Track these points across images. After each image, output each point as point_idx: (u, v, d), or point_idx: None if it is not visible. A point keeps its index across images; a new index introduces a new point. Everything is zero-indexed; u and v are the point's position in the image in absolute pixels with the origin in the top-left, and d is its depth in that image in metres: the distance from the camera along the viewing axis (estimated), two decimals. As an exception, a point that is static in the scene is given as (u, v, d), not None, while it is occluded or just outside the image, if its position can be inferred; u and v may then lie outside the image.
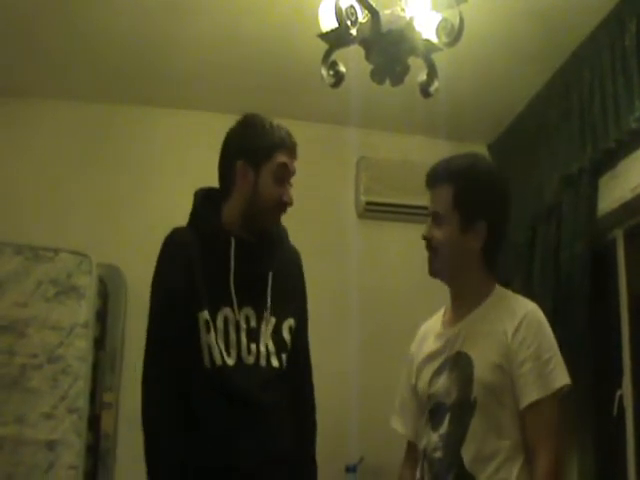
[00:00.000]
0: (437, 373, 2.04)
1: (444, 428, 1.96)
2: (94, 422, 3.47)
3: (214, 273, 2.08)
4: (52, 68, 3.71)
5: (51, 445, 3.16)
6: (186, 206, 3.92)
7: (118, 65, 3.67)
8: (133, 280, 3.79)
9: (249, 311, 2.09)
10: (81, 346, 3.30)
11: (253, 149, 2.14)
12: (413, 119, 3.94)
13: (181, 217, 3.88)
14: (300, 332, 2.22)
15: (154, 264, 3.82)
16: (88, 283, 3.38)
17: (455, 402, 1.95)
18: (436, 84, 2.58)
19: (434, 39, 2.51)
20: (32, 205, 3.81)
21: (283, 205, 2.16)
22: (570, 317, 3.26)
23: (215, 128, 4.08)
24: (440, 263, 2.05)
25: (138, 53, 3.55)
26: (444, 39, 2.51)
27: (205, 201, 2.24)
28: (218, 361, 2.02)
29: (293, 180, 2.20)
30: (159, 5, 3.18)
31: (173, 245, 2.20)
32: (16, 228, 3.60)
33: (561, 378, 1.89)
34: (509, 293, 2.10)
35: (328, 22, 2.46)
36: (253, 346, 2.06)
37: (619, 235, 3.30)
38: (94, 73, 3.75)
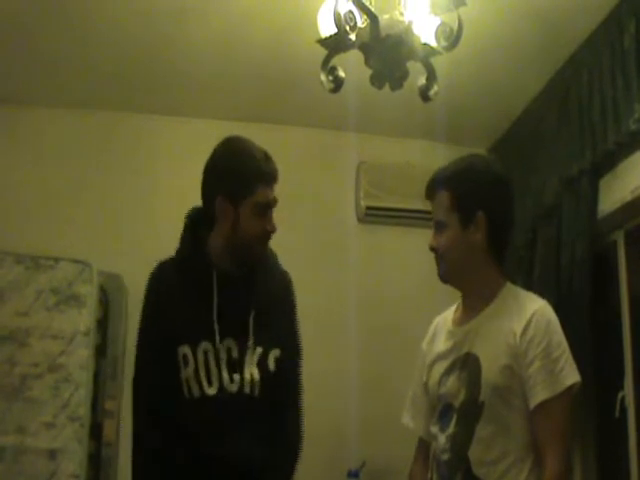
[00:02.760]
0: (446, 373, 2.04)
1: (451, 430, 1.96)
2: (96, 430, 3.45)
3: (196, 307, 2.12)
4: (54, 76, 3.72)
5: (52, 454, 3.15)
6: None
7: (120, 73, 3.68)
8: (134, 288, 3.77)
9: (231, 343, 2.11)
10: (82, 354, 3.29)
11: (231, 185, 2.13)
12: (412, 123, 3.95)
13: (182, 225, 3.91)
14: (286, 362, 2.18)
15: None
16: (89, 291, 3.37)
17: (463, 404, 1.95)
18: (435, 88, 2.58)
19: (433, 43, 2.51)
20: (33, 214, 3.81)
21: (266, 236, 2.16)
22: (571, 319, 3.25)
23: (217, 136, 4.10)
24: (448, 267, 2.06)
25: (140, 61, 3.56)
26: (443, 43, 2.51)
27: (191, 230, 2.25)
28: (196, 393, 2.09)
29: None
30: (161, 14, 3.19)
31: (155, 282, 2.25)
32: (17, 237, 3.60)
33: (571, 376, 1.88)
34: (519, 291, 2.09)
35: (327, 27, 2.46)
36: (236, 376, 2.09)
37: (620, 236, 3.30)
38: (96, 81, 3.76)
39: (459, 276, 2.07)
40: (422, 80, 2.60)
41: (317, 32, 2.52)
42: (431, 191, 2.09)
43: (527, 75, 3.55)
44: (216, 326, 2.09)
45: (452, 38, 2.49)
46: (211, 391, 2.08)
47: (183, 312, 2.12)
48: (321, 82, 2.52)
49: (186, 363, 2.09)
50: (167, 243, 3.86)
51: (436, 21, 2.52)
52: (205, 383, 2.08)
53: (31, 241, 3.58)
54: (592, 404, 3.46)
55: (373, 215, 4.11)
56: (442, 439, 1.98)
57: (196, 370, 2.08)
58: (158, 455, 2.08)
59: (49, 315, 3.28)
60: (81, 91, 3.85)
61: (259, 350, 2.12)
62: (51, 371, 3.22)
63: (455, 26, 2.47)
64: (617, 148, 3.05)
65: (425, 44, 2.51)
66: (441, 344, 2.10)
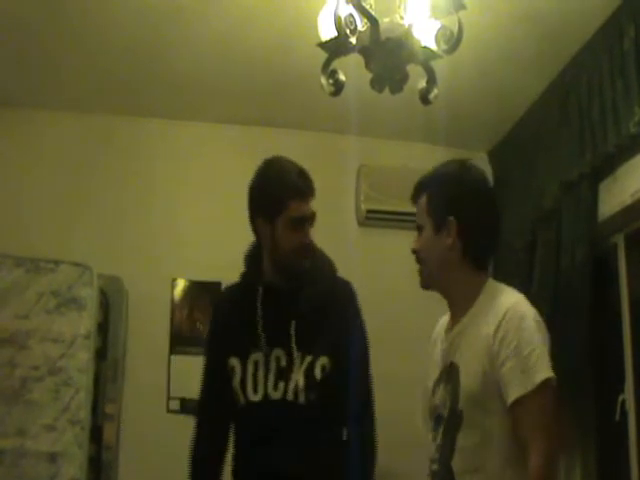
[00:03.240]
0: (437, 384, 2.04)
1: (439, 440, 1.97)
2: (96, 434, 3.45)
3: (245, 322, 2.27)
4: (54, 79, 3.72)
5: (53, 457, 3.15)
6: (186, 217, 3.96)
7: (119, 76, 3.68)
8: (134, 291, 3.79)
9: (279, 352, 2.23)
10: (82, 357, 3.29)
11: (266, 205, 2.24)
12: (413, 127, 3.94)
13: (182, 228, 3.93)
14: (337, 369, 2.24)
15: (155, 275, 3.85)
16: (89, 294, 3.37)
17: (448, 414, 1.95)
18: (436, 91, 2.58)
19: (433, 46, 2.51)
20: (33, 217, 3.81)
21: (304, 248, 2.24)
22: (571, 322, 3.26)
23: (217, 139, 4.14)
24: (425, 271, 2.07)
25: (140, 64, 3.56)
26: (443, 46, 2.51)
27: (249, 256, 2.38)
28: (242, 401, 2.25)
29: None
30: (161, 17, 3.19)
31: (217, 303, 2.55)
32: (17, 240, 3.61)
33: (542, 372, 1.82)
34: (498, 288, 2.04)
35: (327, 31, 2.47)
36: (281, 384, 2.22)
37: (620, 240, 3.30)
38: (96, 84, 3.76)
39: (437, 281, 2.07)
40: (422, 83, 2.60)
41: (317, 35, 2.53)
42: (415, 194, 2.11)
43: (527, 78, 3.55)
44: (262, 338, 2.24)
45: (452, 41, 2.48)
46: (255, 398, 2.23)
47: (234, 328, 2.30)
48: (321, 85, 2.52)
49: (234, 374, 2.26)
50: (166, 246, 3.91)
51: (436, 24, 2.51)
52: (250, 391, 2.24)
53: (31, 244, 3.59)
54: (592, 407, 3.46)
55: (373, 218, 4.11)
56: (433, 449, 1.99)
57: (242, 380, 2.25)
58: (204, 464, 2.36)
59: (49, 318, 3.28)
60: (80, 94, 3.85)
61: (308, 358, 2.22)
62: (51, 374, 3.22)
63: (455, 29, 2.47)
64: (617, 151, 3.05)
65: (425, 47, 2.51)
66: (437, 350, 2.11)
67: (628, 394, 3.14)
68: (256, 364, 2.25)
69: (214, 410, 2.37)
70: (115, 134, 4.01)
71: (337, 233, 4.07)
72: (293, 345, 2.22)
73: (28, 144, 3.93)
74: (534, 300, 3.50)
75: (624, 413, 3.15)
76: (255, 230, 2.29)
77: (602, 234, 3.30)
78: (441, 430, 1.96)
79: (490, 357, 1.87)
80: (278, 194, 2.22)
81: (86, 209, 3.89)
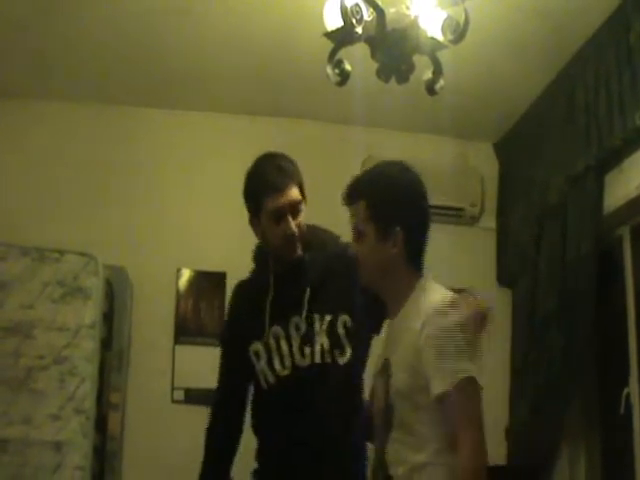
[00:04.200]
0: (375, 377, 2.07)
1: (379, 435, 1.99)
2: (101, 423, 3.46)
3: (260, 307, 2.34)
4: (59, 70, 3.72)
5: (58, 446, 3.16)
6: (191, 207, 3.96)
7: (127, 67, 3.68)
8: (139, 281, 3.80)
9: (297, 319, 2.28)
10: (87, 347, 3.30)
11: (249, 204, 2.34)
12: (419, 118, 3.94)
13: (187, 218, 3.93)
14: (359, 326, 2.29)
15: (160, 265, 3.86)
16: (94, 284, 3.37)
17: (383, 407, 1.97)
18: (442, 82, 2.57)
19: (439, 37, 2.51)
20: (39, 207, 3.82)
21: (288, 239, 2.27)
22: (576, 315, 3.26)
23: (221, 129, 4.14)
24: (366, 275, 2.06)
25: (142, 54, 3.56)
26: (449, 36, 2.50)
27: (256, 253, 2.46)
28: (271, 379, 2.29)
29: None
30: (162, 7, 3.19)
31: (231, 297, 2.55)
32: (22, 230, 3.61)
33: (463, 370, 1.81)
34: (428, 286, 2.01)
35: (333, 21, 2.46)
36: (307, 349, 2.26)
37: (625, 232, 3.30)
38: (101, 75, 3.76)
39: (375, 283, 2.06)
40: (428, 74, 2.60)
41: (323, 25, 2.52)
42: (350, 197, 2.08)
43: (534, 70, 3.54)
44: (277, 310, 2.30)
45: (458, 32, 2.48)
46: (285, 372, 2.27)
47: (250, 315, 2.36)
48: (327, 75, 2.52)
49: (258, 357, 2.31)
50: (172, 236, 3.91)
51: (442, 15, 2.51)
52: (279, 367, 2.28)
53: (37, 234, 3.59)
54: (596, 400, 3.47)
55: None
56: (376, 444, 2.04)
57: (269, 359, 2.29)
58: (220, 454, 2.45)
59: (55, 308, 3.28)
60: (86, 85, 3.86)
61: (328, 318, 2.26)
62: (56, 363, 3.23)
63: (461, 20, 2.46)
64: (623, 144, 3.05)
65: (431, 38, 2.51)
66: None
67: (633, 387, 3.14)
68: (277, 338, 2.28)
69: (232, 401, 2.43)
70: (121, 124, 4.01)
71: (342, 223, 4.07)
72: (305, 307, 2.27)
73: (35, 135, 3.93)
74: (539, 293, 3.57)
75: (629, 406, 3.15)
76: (252, 228, 2.37)
77: (608, 227, 3.29)
78: (380, 425, 1.99)
79: (416, 352, 1.86)
80: (254, 192, 2.31)
81: (92, 199, 3.89)
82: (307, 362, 2.25)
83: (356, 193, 2.06)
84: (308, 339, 2.26)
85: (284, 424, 2.26)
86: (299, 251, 2.29)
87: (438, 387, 1.81)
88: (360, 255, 2.06)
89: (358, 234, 2.05)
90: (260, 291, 2.35)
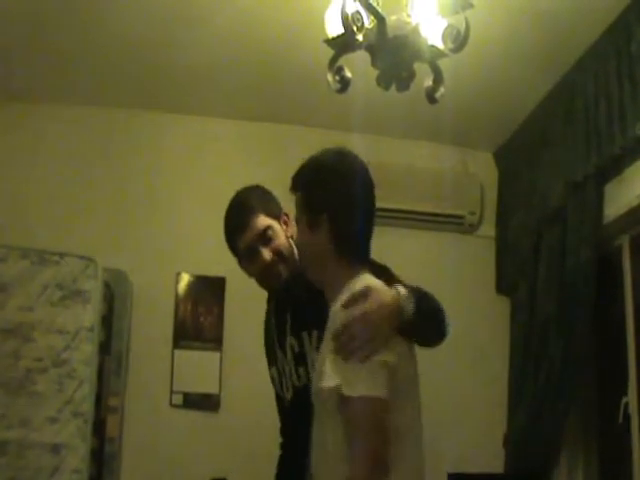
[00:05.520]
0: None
1: None
2: (99, 426, 3.46)
3: (270, 333, 2.39)
4: (61, 73, 3.73)
5: (56, 449, 3.16)
6: (191, 212, 3.96)
7: (127, 70, 3.68)
8: (139, 285, 3.80)
9: (292, 340, 2.26)
10: (86, 350, 3.30)
11: (230, 251, 2.38)
12: (418, 125, 3.94)
13: (187, 222, 3.93)
14: None
15: (160, 269, 3.86)
16: (94, 287, 3.37)
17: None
18: (442, 90, 2.58)
19: (440, 45, 2.51)
20: (39, 209, 3.82)
21: (266, 270, 2.29)
22: (575, 323, 3.26)
23: (223, 134, 4.15)
24: (304, 267, 2.03)
25: (147, 58, 3.56)
26: (450, 45, 2.51)
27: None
28: (286, 403, 2.33)
29: None
30: (168, 11, 3.20)
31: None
32: (22, 232, 3.62)
33: (362, 388, 1.70)
34: (360, 279, 1.89)
35: (334, 28, 2.47)
36: (301, 370, 2.23)
37: (625, 241, 3.30)
38: (104, 79, 3.76)
39: (313, 276, 2.00)
40: (429, 82, 2.60)
41: (324, 32, 2.53)
42: (293, 186, 2.05)
43: (533, 79, 3.54)
44: (275, 335, 2.33)
45: (459, 40, 2.48)
46: (288, 395, 2.29)
47: (267, 343, 2.43)
48: (328, 82, 2.53)
49: (274, 382, 2.38)
50: (171, 240, 3.92)
51: (443, 23, 2.52)
52: (285, 390, 2.31)
53: (37, 236, 3.60)
54: (595, 409, 3.47)
55: (377, 216, 4.08)
56: None
57: (280, 384, 2.33)
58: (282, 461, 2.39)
59: (54, 310, 3.28)
60: (86, 88, 3.86)
61: (315, 333, 2.18)
62: (55, 366, 3.22)
63: (462, 28, 2.47)
64: (623, 153, 3.05)
65: (432, 46, 2.51)
66: None
67: (631, 396, 3.14)
68: (281, 361, 2.31)
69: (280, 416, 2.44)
70: (122, 128, 4.01)
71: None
72: (294, 328, 2.25)
73: (35, 137, 3.94)
74: (538, 300, 3.58)
75: (627, 415, 3.15)
76: (244, 271, 2.41)
77: (607, 235, 3.30)
78: None
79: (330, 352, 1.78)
80: (227, 240, 2.36)
81: (92, 202, 3.89)
82: (302, 383, 2.21)
83: (293, 184, 2.03)
84: (301, 359, 2.22)
85: (295, 448, 2.23)
86: (284, 274, 2.29)
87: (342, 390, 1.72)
88: (298, 246, 2.05)
89: (297, 225, 2.02)
90: (268, 318, 2.42)
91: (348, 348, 1.73)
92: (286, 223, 2.36)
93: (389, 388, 1.72)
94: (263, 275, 2.30)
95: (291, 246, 2.31)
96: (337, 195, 1.95)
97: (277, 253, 2.28)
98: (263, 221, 2.29)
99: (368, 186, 2.03)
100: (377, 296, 1.80)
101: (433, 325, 1.95)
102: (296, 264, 2.23)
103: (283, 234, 2.33)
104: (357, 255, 1.96)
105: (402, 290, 1.83)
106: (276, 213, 2.34)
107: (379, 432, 1.70)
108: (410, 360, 1.86)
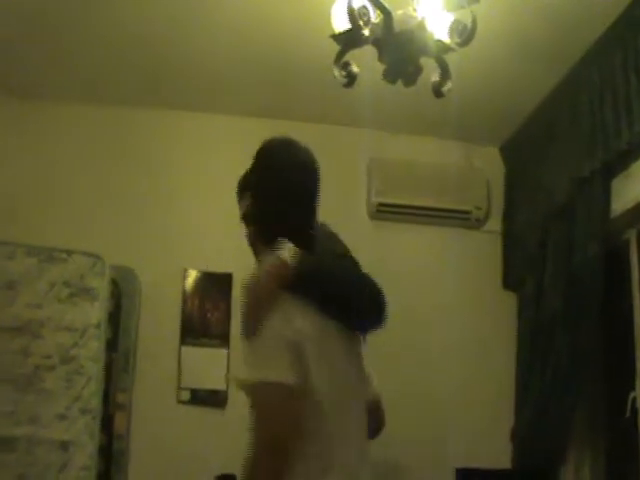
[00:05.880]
0: None
1: None
2: (107, 423, 3.47)
3: None
4: (73, 71, 3.73)
5: (65, 445, 3.17)
6: (198, 208, 3.97)
7: (137, 68, 3.69)
8: (146, 282, 3.81)
9: None
10: (94, 347, 3.31)
11: None
12: (424, 120, 3.93)
13: (195, 219, 3.94)
14: None
15: (167, 265, 3.87)
16: (101, 285, 3.38)
17: None
18: (449, 84, 2.58)
19: (446, 39, 2.51)
20: (46, 207, 3.83)
21: None
22: (582, 318, 3.26)
23: (230, 131, 4.14)
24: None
25: (156, 56, 3.57)
26: (456, 39, 2.51)
27: None
28: None
29: None
30: (176, 8, 3.20)
31: None
32: (30, 229, 3.62)
33: (263, 371, 1.69)
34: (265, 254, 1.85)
35: (341, 23, 2.47)
36: None
37: (632, 235, 3.29)
38: (113, 76, 3.77)
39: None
40: (435, 76, 2.60)
41: (331, 27, 2.53)
42: None
43: (539, 73, 3.53)
44: None
45: (465, 35, 2.49)
46: None
47: None
48: (334, 77, 2.53)
49: None
50: (178, 237, 3.92)
51: (449, 17, 2.52)
52: None
53: (44, 234, 3.60)
54: (602, 404, 3.46)
55: (384, 212, 4.10)
56: None
57: None
58: None
59: (62, 308, 3.29)
60: (96, 86, 3.86)
61: None
62: (63, 363, 3.23)
63: (469, 23, 2.47)
64: (630, 147, 3.04)
65: (438, 40, 2.51)
66: None
67: (639, 391, 3.14)
68: None
69: None
70: (130, 126, 4.01)
71: (348, 226, 4.05)
72: None
73: (43, 135, 3.94)
74: (545, 295, 3.57)
75: (634, 410, 3.14)
76: None
77: (614, 230, 3.29)
78: None
79: None
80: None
81: (99, 200, 3.89)
82: None
83: None
84: None
85: None
86: None
87: (241, 372, 1.75)
88: None
89: None
90: None
91: (241, 326, 1.75)
92: None
93: (297, 370, 1.68)
94: None
95: None
96: (260, 175, 1.96)
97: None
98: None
99: (301, 181, 1.96)
100: (259, 266, 1.80)
101: (334, 294, 1.84)
102: None
103: None
104: (271, 233, 1.87)
105: (284, 254, 1.78)
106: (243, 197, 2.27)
107: (278, 418, 1.67)
108: (331, 338, 1.81)
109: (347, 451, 1.79)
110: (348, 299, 1.87)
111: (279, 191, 1.91)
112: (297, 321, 1.73)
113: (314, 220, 1.96)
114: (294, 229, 1.87)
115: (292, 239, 1.81)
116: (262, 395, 1.68)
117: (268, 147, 1.99)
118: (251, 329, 1.74)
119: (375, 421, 2.01)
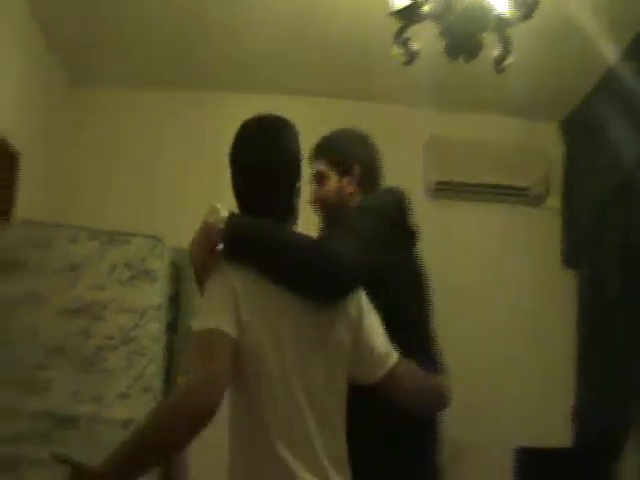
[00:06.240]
0: None
1: None
2: (168, 403, 3.51)
3: None
4: (130, 57, 3.79)
5: (127, 424, 3.20)
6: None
7: (190, 50, 3.72)
8: (205, 264, 3.83)
9: None
10: (154, 328, 3.33)
11: None
12: (483, 97, 3.89)
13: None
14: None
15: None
16: (161, 267, 3.41)
17: None
18: (510, 59, 2.53)
19: (508, 13, 2.46)
20: (107, 190, 3.89)
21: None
22: (639, 300, 3.20)
23: (286, 112, 4.11)
24: None
25: (214, 39, 3.60)
26: (517, 13, 2.46)
27: None
28: None
29: None
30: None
31: None
32: (92, 213, 3.68)
33: (198, 322, 1.77)
34: None
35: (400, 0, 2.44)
36: None
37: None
38: (167, 59, 3.81)
39: None
40: (496, 51, 2.55)
41: (388, 4, 2.49)
42: None
43: (600, 47, 3.44)
44: None
45: (527, 8, 2.44)
46: None
47: None
48: (393, 55, 2.50)
49: None
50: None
51: (511, -9, 2.47)
52: None
53: (106, 217, 3.66)
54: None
55: (444, 189, 4.07)
56: None
57: None
58: None
59: (123, 289, 3.32)
60: (155, 72, 3.93)
61: None
62: (124, 344, 3.27)
63: (530, -4, 2.42)
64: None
65: (500, 14, 2.47)
66: None
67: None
68: None
69: None
70: (189, 108, 4.07)
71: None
72: None
73: (102, 120, 4.01)
74: (601, 276, 3.51)
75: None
76: None
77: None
78: None
79: None
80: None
81: (159, 182, 3.95)
82: None
83: None
84: None
85: None
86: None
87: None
88: None
89: None
90: None
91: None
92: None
93: (238, 325, 1.73)
94: None
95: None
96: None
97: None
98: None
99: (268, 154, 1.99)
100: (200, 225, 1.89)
101: (265, 259, 1.84)
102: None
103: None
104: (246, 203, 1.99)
105: (223, 214, 1.86)
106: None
107: (214, 355, 1.71)
108: (270, 302, 1.80)
109: (297, 419, 1.77)
110: (280, 265, 1.84)
111: (245, 166, 2.04)
112: (234, 282, 1.79)
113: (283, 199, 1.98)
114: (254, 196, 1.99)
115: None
116: (200, 340, 1.75)
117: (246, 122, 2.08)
118: (200, 290, 1.88)
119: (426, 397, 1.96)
